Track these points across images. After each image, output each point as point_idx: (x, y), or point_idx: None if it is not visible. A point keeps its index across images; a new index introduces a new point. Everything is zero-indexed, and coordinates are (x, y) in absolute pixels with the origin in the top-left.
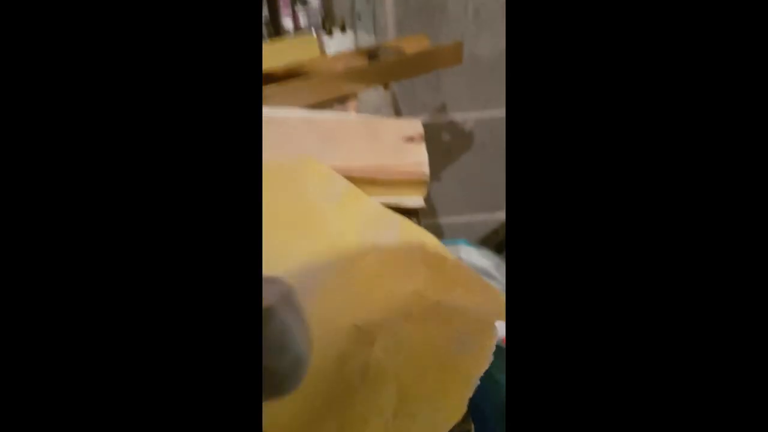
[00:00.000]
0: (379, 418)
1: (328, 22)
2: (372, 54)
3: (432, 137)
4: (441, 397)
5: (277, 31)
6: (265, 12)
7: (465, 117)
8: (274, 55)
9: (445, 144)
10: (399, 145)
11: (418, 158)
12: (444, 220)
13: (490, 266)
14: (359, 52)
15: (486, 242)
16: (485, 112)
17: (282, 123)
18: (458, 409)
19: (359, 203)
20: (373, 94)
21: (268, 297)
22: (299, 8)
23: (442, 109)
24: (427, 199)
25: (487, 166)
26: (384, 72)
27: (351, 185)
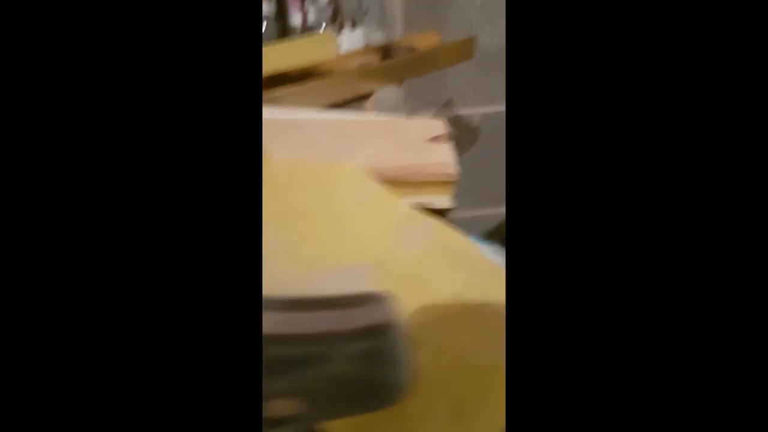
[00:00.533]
0: (433, 426)
1: (338, 19)
2: (385, 52)
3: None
4: (489, 399)
5: (285, 27)
6: (273, 8)
7: (471, 111)
8: (291, 54)
9: (451, 139)
10: (423, 145)
11: (443, 158)
12: (452, 214)
13: (502, 263)
14: (372, 49)
15: (493, 236)
16: (492, 107)
17: (305, 125)
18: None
19: (390, 205)
20: (389, 92)
21: (381, 315)
22: (308, 4)
23: (448, 104)
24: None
25: (494, 160)
26: (398, 70)
27: (381, 187)
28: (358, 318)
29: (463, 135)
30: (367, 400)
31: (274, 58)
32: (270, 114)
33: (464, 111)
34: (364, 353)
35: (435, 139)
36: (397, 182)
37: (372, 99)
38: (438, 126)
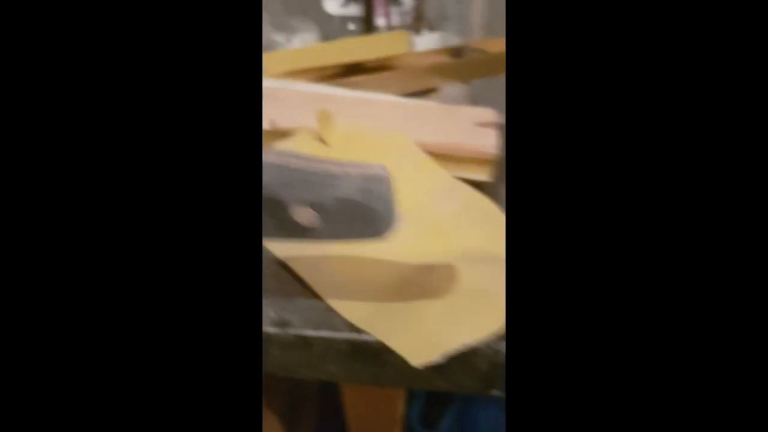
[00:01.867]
0: (435, 317)
1: (417, 23)
2: (456, 52)
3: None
4: (483, 313)
5: (370, 28)
6: (361, 10)
7: None
8: (365, 48)
9: None
10: (472, 128)
11: (488, 141)
12: None
13: None
14: (445, 50)
15: None
16: None
17: (374, 103)
18: (496, 322)
19: (432, 171)
20: (455, 89)
21: (379, 170)
22: (393, 8)
23: None
24: (498, 196)
25: None
26: (465, 69)
27: (427, 157)
28: (362, 167)
29: None
30: (364, 224)
31: (351, 49)
32: (341, 92)
33: None
34: (365, 187)
35: (483, 124)
36: (443, 156)
37: (437, 94)
38: (487, 113)
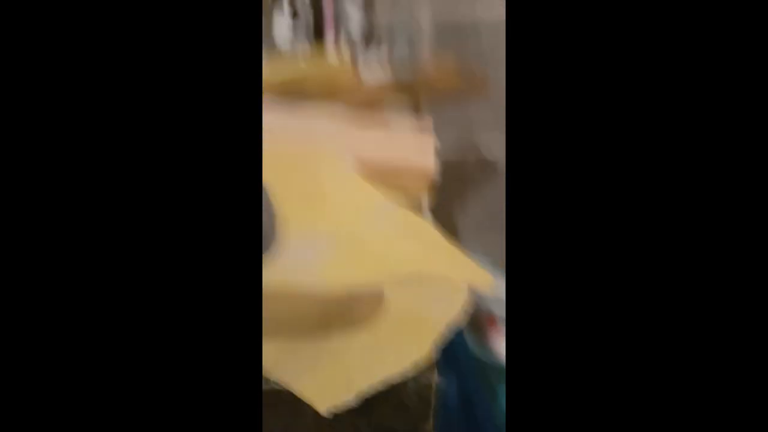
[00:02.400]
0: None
1: (366, 37)
2: (404, 85)
3: (459, 173)
4: (411, 341)
5: (320, 40)
6: (311, 20)
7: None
8: (312, 71)
9: (473, 181)
10: (413, 150)
11: (427, 162)
12: (476, 257)
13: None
14: (393, 84)
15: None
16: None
17: (315, 126)
18: (425, 351)
19: (364, 192)
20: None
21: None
22: (342, 23)
23: (469, 129)
24: (454, 234)
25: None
26: (412, 99)
27: (360, 179)
28: None
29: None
30: None
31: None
32: (284, 117)
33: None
34: None
35: (423, 146)
36: (383, 175)
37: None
38: (428, 137)
